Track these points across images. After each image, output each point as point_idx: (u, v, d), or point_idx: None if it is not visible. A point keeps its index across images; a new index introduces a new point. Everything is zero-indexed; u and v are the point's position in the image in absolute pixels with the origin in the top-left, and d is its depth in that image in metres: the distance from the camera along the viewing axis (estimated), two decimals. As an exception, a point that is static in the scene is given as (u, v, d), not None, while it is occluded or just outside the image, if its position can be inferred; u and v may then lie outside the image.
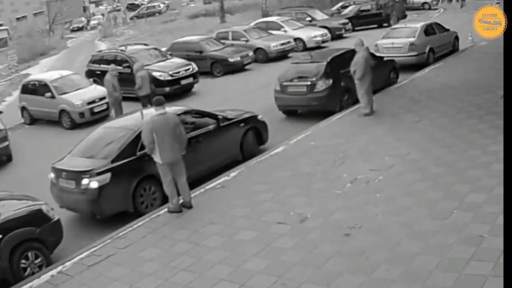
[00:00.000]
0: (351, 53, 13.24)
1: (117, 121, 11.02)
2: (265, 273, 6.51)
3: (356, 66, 12.38)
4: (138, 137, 9.26)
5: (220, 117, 10.81)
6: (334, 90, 13.31)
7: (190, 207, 8.79)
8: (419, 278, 5.90)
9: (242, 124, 11.22)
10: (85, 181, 8.90)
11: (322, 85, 13.25)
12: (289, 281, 6.28)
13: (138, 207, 9.20)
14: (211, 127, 10.55)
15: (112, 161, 9.10)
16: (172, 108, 10.56)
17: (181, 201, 8.84)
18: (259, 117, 11.79)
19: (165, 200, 9.12)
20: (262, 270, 6.60)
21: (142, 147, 9.08)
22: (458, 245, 6.40)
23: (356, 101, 13.14)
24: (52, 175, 9.63)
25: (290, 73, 14.15)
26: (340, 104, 13.47)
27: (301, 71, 14.00)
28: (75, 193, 9.10)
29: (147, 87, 15.48)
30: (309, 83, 13.43)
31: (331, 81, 13.29)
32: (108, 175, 8.93)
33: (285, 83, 13.86)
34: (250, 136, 11.37)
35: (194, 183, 9.51)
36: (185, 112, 10.58)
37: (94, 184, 8.85)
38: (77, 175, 9.07)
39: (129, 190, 9.09)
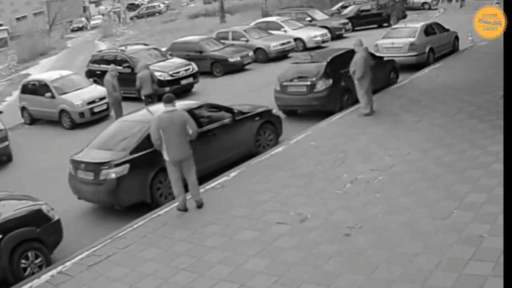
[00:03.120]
0: (351, 53, 13.22)
1: (135, 114, 11.18)
2: (265, 273, 6.51)
3: (356, 66, 12.38)
4: None
5: (235, 111, 11.02)
6: (334, 90, 13.31)
7: (200, 206, 8.79)
8: (419, 278, 5.90)
9: (257, 118, 11.41)
10: (103, 172, 9.12)
11: (322, 85, 13.26)
12: (289, 281, 6.28)
13: (155, 198, 9.37)
14: (226, 120, 10.76)
15: (130, 153, 9.29)
16: (187, 102, 11.05)
17: (188, 197, 8.86)
18: (274, 111, 12.02)
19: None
20: (262, 270, 6.60)
21: None
22: (458, 245, 6.40)
23: (356, 101, 13.14)
24: (70, 167, 9.84)
25: (290, 73, 14.15)
26: (340, 104, 13.48)
27: (301, 71, 14.00)
28: (93, 184, 9.33)
29: (148, 87, 15.48)
30: (309, 83, 13.43)
31: (331, 81, 13.30)
32: (126, 167, 9.14)
33: (285, 83, 13.86)
34: (269, 130, 11.63)
35: (208, 176, 9.86)
36: (201, 106, 10.81)
37: (112, 175, 9.06)
38: (96, 167, 9.29)
39: (147, 181, 9.26)
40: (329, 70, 13.44)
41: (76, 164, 9.71)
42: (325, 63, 13.63)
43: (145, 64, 16.39)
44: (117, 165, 9.11)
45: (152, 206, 9.24)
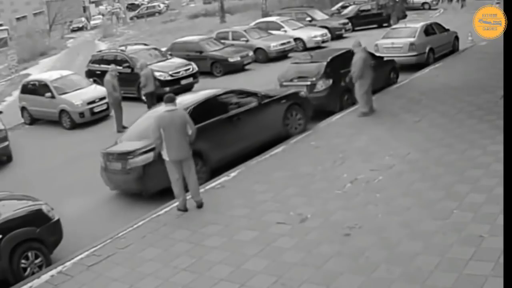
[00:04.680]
0: (351, 53, 13.22)
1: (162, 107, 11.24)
2: (265, 273, 6.51)
3: (355, 67, 12.39)
4: None
5: (260, 94, 11.37)
6: (334, 90, 13.33)
7: (200, 206, 8.79)
8: (419, 278, 5.90)
9: (283, 101, 11.69)
10: (130, 161, 9.51)
11: (322, 85, 13.27)
12: (289, 281, 6.28)
13: None
14: (252, 104, 11.10)
15: None
16: (211, 91, 11.35)
17: (188, 197, 8.86)
18: (301, 93, 12.29)
19: (210, 176, 9.39)
20: (262, 270, 6.60)
21: None
22: (458, 245, 6.40)
23: (356, 101, 13.13)
24: (101, 160, 10.29)
25: (290, 73, 14.17)
26: (340, 104, 13.49)
27: (301, 71, 14.02)
28: (122, 173, 9.76)
29: (152, 84, 15.64)
30: (309, 83, 13.44)
31: (331, 81, 13.31)
32: (151, 154, 9.41)
33: (285, 83, 13.87)
34: (297, 111, 11.90)
35: (236, 161, 10.32)
36: (225, 92, 11.14)
37: (138, 163, 9.41)
38: (123, 156, 9.75)
39: None
40: (329, 70, 13.45)
41: (106, 156, 10.16)
42: (325, 63, 13.64)
43: (146, 63, 16.49)
44: (142, 154, 9.48)
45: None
